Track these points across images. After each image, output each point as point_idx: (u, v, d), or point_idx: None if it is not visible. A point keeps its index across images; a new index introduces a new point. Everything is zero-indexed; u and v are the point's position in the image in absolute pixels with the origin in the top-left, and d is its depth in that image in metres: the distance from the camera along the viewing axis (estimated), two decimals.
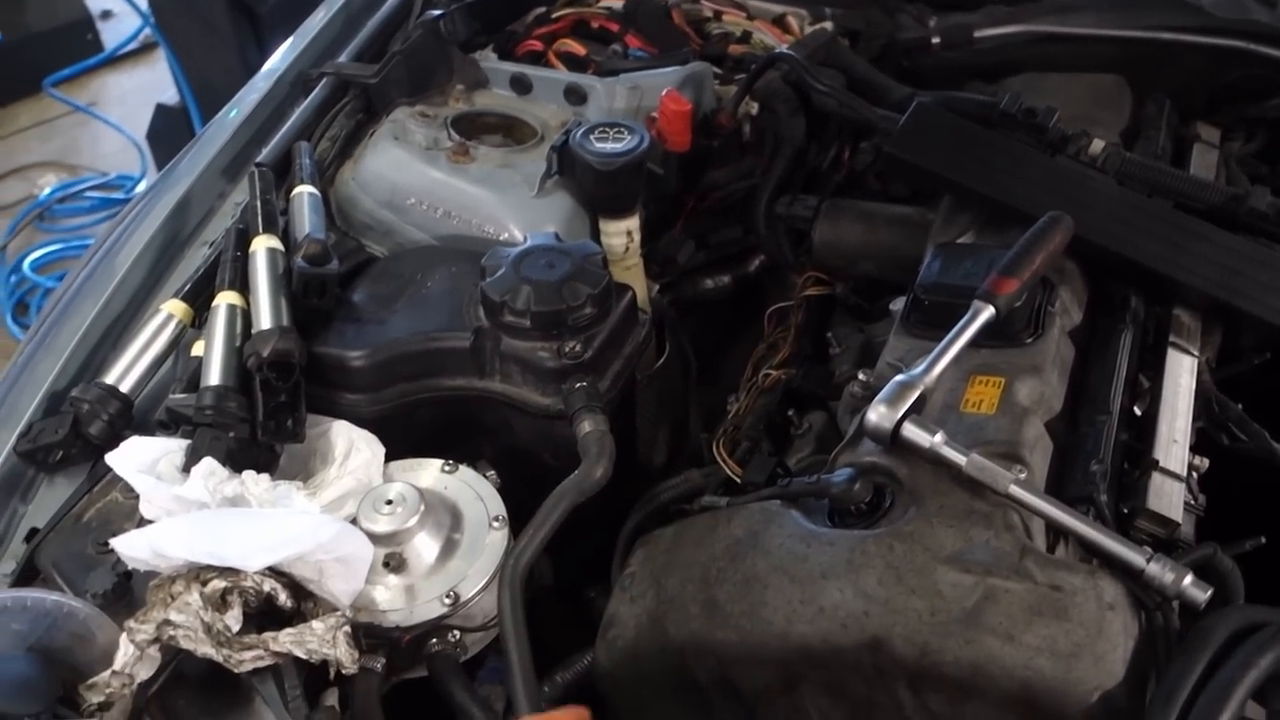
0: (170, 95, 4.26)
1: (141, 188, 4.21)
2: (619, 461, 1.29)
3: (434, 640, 1.18)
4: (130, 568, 1.12)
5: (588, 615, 1.38)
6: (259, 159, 1.63)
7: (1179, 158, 1.73)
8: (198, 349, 1.35)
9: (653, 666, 1.16)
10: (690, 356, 1.76)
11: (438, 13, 1.84)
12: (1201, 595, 1.00)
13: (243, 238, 1.45)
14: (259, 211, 1.46)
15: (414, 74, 1.76)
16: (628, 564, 1.26)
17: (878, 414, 1.14)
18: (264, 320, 1.33)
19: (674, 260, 1.77)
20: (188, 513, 1.14)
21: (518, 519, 1.22)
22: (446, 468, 1.32)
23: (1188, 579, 1.00)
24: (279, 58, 1.90)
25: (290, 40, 1.96)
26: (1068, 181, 1.45)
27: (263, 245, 1.41)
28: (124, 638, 1.04)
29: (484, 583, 1.20)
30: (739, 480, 1.35)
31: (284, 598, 1.09)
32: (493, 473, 1.35)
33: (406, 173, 1.63)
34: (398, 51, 1.76)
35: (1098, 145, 1.49)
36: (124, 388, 1.36)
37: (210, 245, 1.56)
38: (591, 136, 1.56)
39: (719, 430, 1.48)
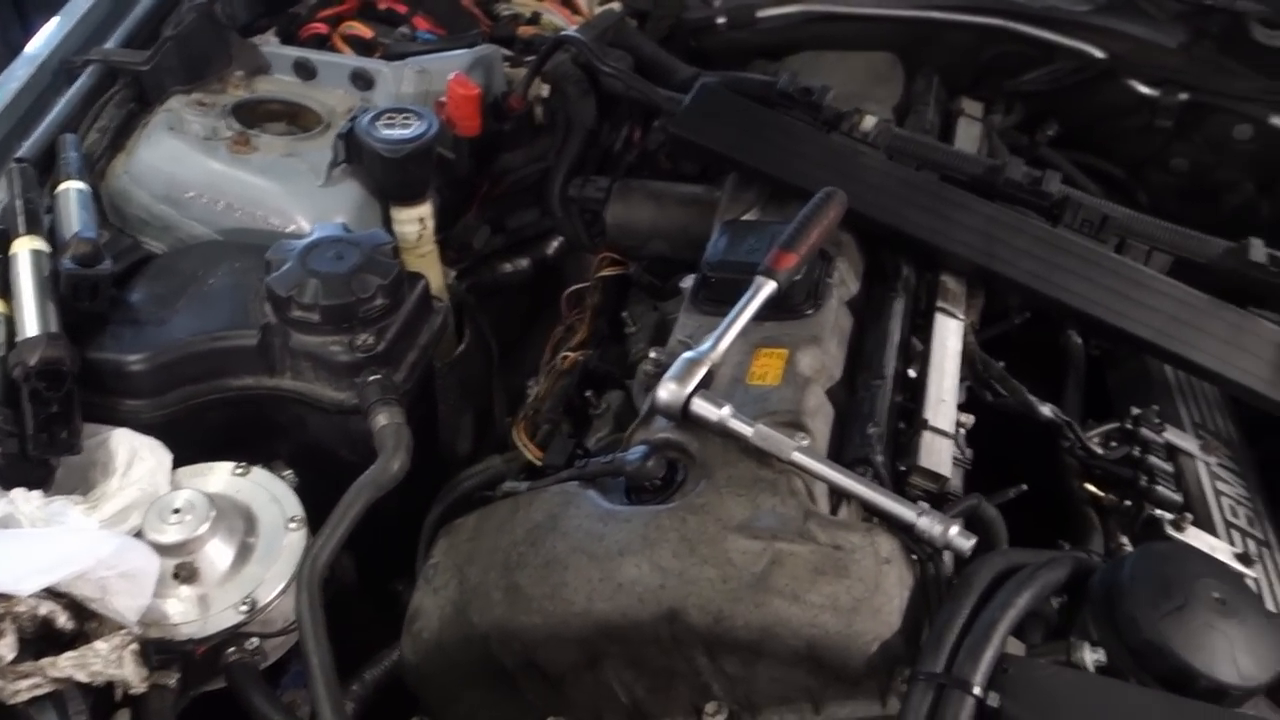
0: None
1: None
2: (422, 452, 1.28)
3: (231, 650, 1.16)
4: None
5: (394, 609, 1.37)
6: (19, 153, 1.53)
7: (946, 131, 1.84)
8: None
9: (459, 656, 1.16)
10: (491, 342, 1.76)
11: None
12: (966, 544, 1.07)
13: (3, 239, 1.36)
14: (20, 210, 1.38)
15: (189, 60, 1.68)
16: (431, 555, 1.26)
17: (667, 391, 1.17)
18: (29, 327, 1.25)
19: (470, 246, 1.77)
20: None
21: (320, 517, 1.20)
22: (238, 470, 1.29)
23: (954, 529, 1.07)
24: (40, 42, 1.77)
25: (53, 23, 1.83)
26: (841, 157, 1.52)
27: (25, 247, 1.33)
28: None
29: (282, 586, 1.18)
30: (539, 464, 1.36)
31: (64, 620, 1.04)
32: (289, 472, 1.32)
33: (184, 164, 1.57)
34: (170, 36, 1.67)
35: (869, 122, 1.56)
36: None
37: None
38: (378, 123, 1.53)
39: (519, 414, 1.48)
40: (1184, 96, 1.93)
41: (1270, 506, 1.44)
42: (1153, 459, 1.36)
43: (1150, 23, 1.97)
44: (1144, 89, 1.96)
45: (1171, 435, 1.42)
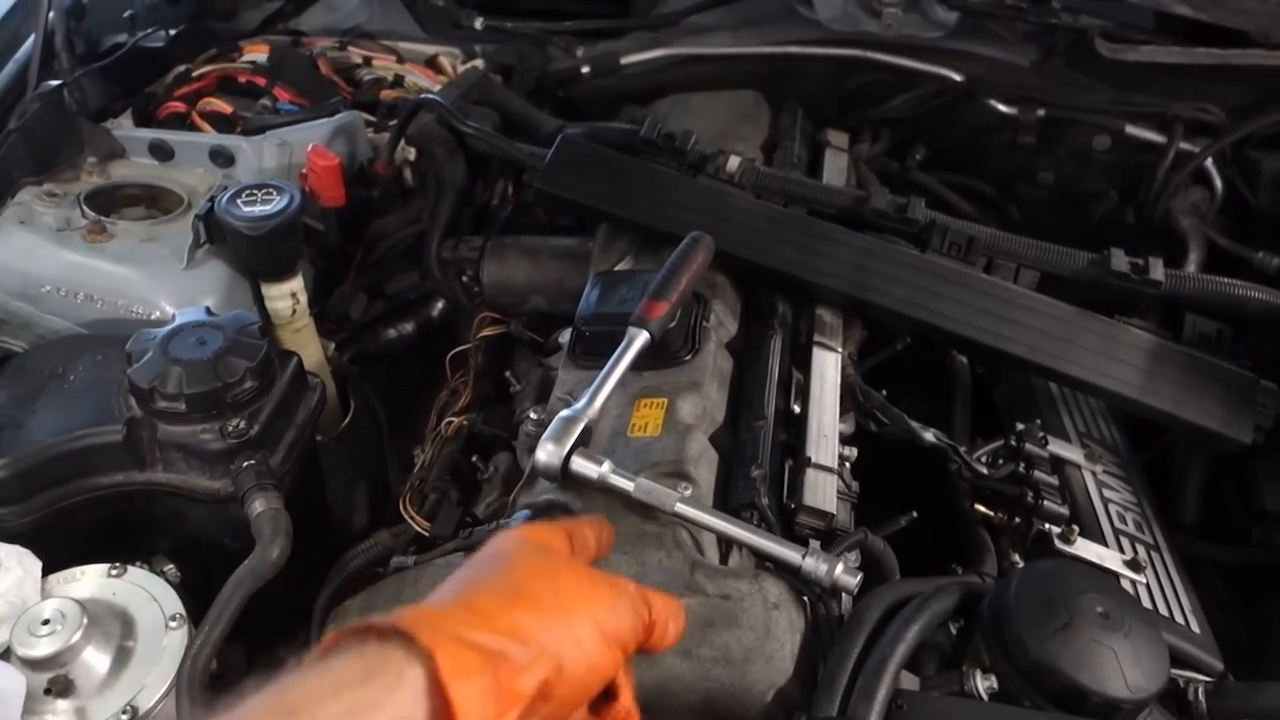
0: None
1: None
2: (313, 531, 1.25)
3: None
4: None
5: None
6: None
7: (815, 164, 1.86)
8: None
9: None
10: (379, 411, 1.73)
11: (58, 82, 1.71)
12: (852, 581, 1.06)
13: None
14: None
15: (37, 150, 1.64)
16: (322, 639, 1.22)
17: (546, 452, 1.14)
18: None
19: (348, 316, 1.74)
20: None
21: (206, 611, 1.15)
22: (114, 571, 1.23)
23: (839, 568, 1.06)
24: None
25: None
26: (709, 200, 1.53)
27: None
28: None
29: (165, 688, 1.13)
30: (427, 535, 1.33)
31: None
32: (170, 567, 1.28)
33: (37, 259, 1.52)
34: (15, 128, 1.63)
35: (734, 162, 1.57)
36: None
37: None
38: (239, 200, 1.50)
39: (405, 486, 1.45)
40: (1042, 112, 1.99)
41: (1157, 509, 1.47)
42: (1038, 474, 1.37)
43: (1002, 44, 2.04)
44: (1003, 107, 2.02)
45: (1056, 447, 1.44)
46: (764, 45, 2.06)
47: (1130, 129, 1.94)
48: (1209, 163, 1.85)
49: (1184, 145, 1.87)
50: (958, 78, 2.01)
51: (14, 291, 1.51)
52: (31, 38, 1.85)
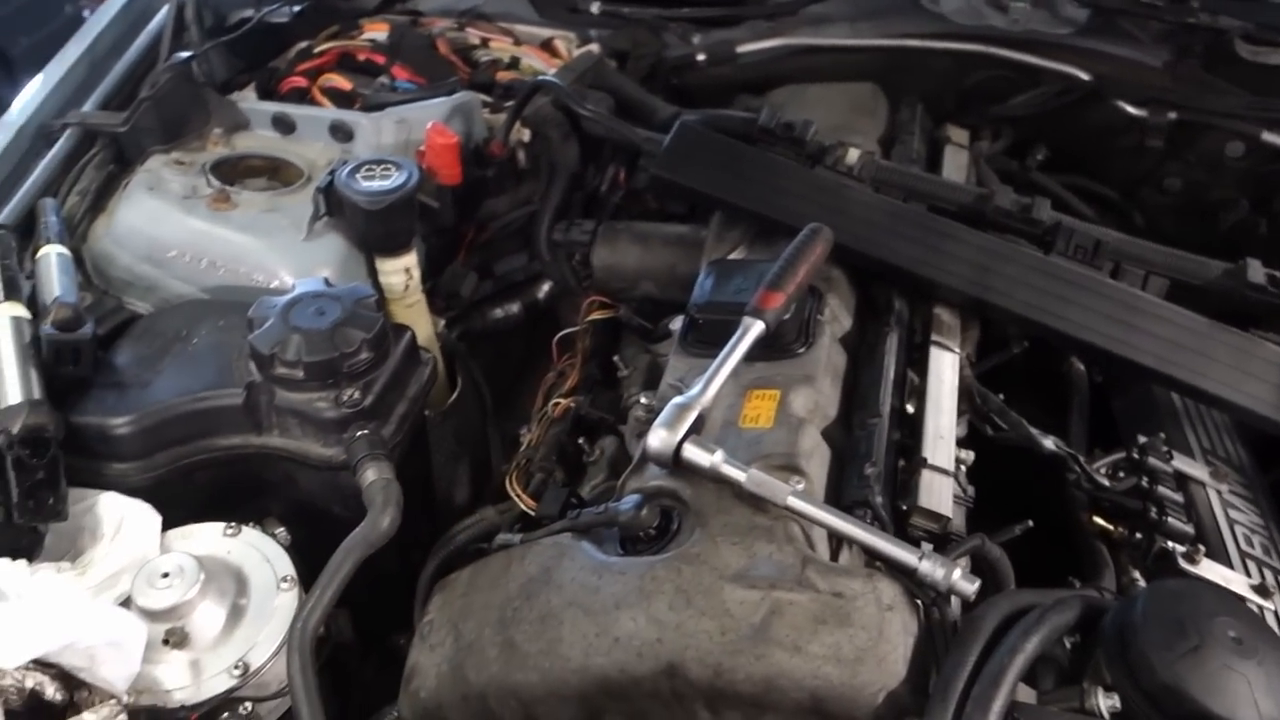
0: None
1: None
2: (417, 503, 1.27)
3: (226, 715, 1.14)
4: None
5: (398, 663, 1.34)
6: None
7: (933, 160, 1.83)
8: None
9: (457, 715, 1.13)
10: (485, 389, 1.74)
11: (188, 54, 1.75)
12: (970, 587, 1.04)
13: None
14: None
15: (166, 119, 1.68)
16: (426, 611, 1.23)
17: (658, 438, 1.14)
18: (11, 395, 1.24)
19: (458, 294, 1.75)
20: None
21: (314, 575, 1.16)
22: (229, 531, 1.27)
23: (957, 573, 1.04)
24: (17, 108, 1.77)
25: (30, 88, 1.83)
26: (827, 192, 1.51)
27: (5, 314, 1.32)
28: None
29: (275, 648, 1.16)
30: (533, 514, 1.34)
31: (52, 691, 1.03)
32: (281, 530, 1.31)
33: (165, 224, 1.56)
34: (147, 97, 1.67)
35: (854, 154, 1.55)
36: None
37: None
38: (358, 175, 1.52)
39: (512, 464, 1.46)
40: (1173, 115, 1.93)
41: None
42: (1162, 489, 1.32)
43: (1133, 43, 1.97)
44: (1132, 109, 1.96)
45: (1180, 463, 1.39)
46: (883, 37, 2.02)
47: (1267, 135, 1.87)
48: None
49: None
50: (1085, 77, 1.95)
51: (141, 255, 1.55)
52: (164, 10, 1.90)
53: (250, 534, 1.27)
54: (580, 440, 1.47)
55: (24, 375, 1.26)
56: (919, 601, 1.06)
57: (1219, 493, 1.39)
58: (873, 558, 1.11)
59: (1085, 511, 1.34)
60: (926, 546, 1.09)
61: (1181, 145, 1.95)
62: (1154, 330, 1.39)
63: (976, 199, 1.52)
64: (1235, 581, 1.25)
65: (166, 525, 1.24)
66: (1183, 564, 1.24)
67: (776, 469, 1.15)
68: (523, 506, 1.37)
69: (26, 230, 1.52)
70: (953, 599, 1.08)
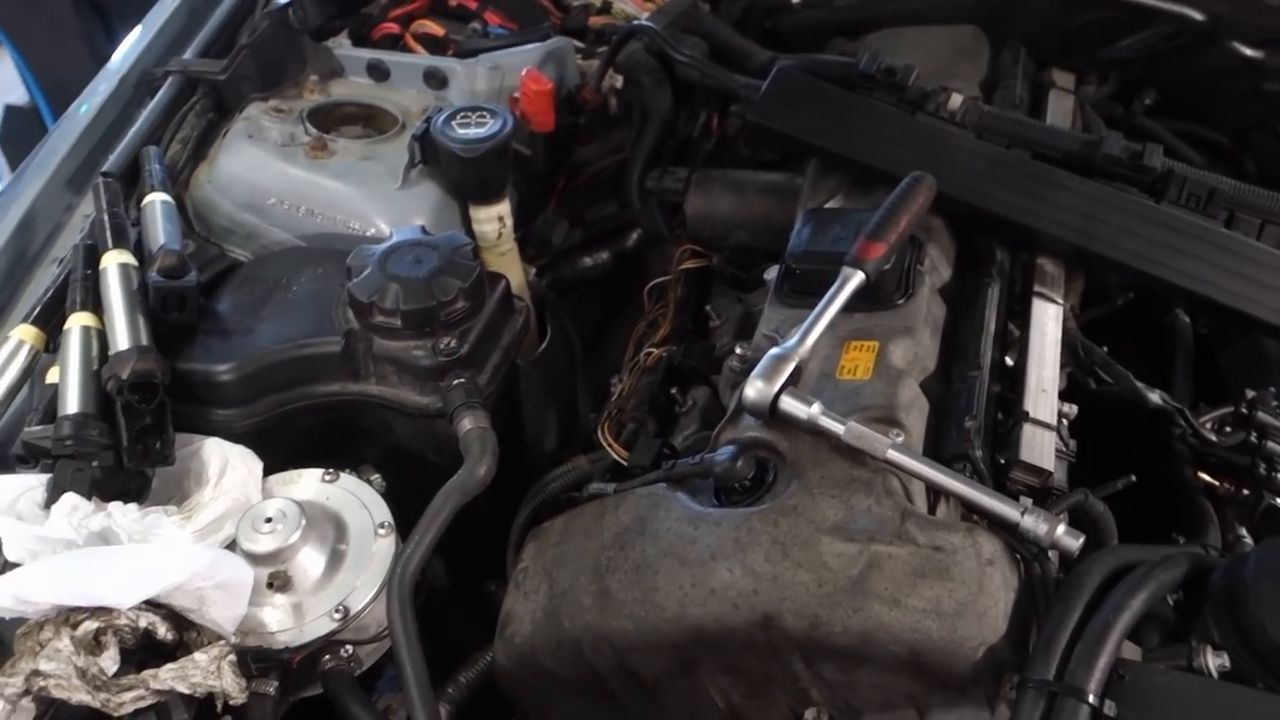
0: (19, 95, 4.05)
1: None
2: (508, 451, 1.27)
3: (327, 657, 1.16)
4: None
5: (488, 608, 1.36)
6: (104, 168, 1.55)
7: (1036, 105, 1.77)
8: (53, 376, 1.28)
9: (551, 661, 1.15)
10: (574, 338, 1.74)
11: (284, 1, 1.76)
12: (1074, 543, 1.02)
13: (92, 254, 1.38)
14: (107, 225, 1.40)
15: (265, 67, 1.69)
16: (520, 558, 1.25)
17: (755, 389, 1.13)
18: (121, 341, 1.27)
19: (549, 242, 1.75)
20: (53, 553, 1.10)
21: (408, 520, 1.19)
22: (327, 477, 1.29)
23: (1060, 528, 1.02)
24: (120, 57, 1.81)
25: (131, 37, 1.87)
26: (928, 139, 1.47)
27: (114, 261, 1.35)
28: None
29: (373, 593, 1.18)
30: (625, 464, 1.34)
31: (164, 631, 1.06)
32: (377, 476, 1.32)
33: (264, 172, 1.57)
34: (246, 45, 1.68)
35: (956, 100, 1.50)
36: None
37: (60, 263, 1.48)
38: (454, 122, 1.52)
39: (603, 413, 1.46)
40: None
41: None
42: (1271, 444, 1.29)
43: None
44: (1248, 51, 1.86)
45: None
46: None
47: None
48: None
49: None
50: (1199, 17, 1.85)
51: (242, 203, 1.57)
52: None
53: (348, 480, 1.29)
54: (673, 390, 1.47)
55: (132, 322, 1.28)
56: (1020, 556, 1.05)
57: None
58: (972, 513, 1.09)
59: (1190, 467, 1.31)
60: (1027, 501, 1.07)
61: None
62: (1270, 281, 1.34)
63: (1084, 145, 1.46)
64: None
65: (267, 470, 1.27)
66: None
67: (875, 421, 1.14)
68: (615, 456, 1.38)
69: (131, 178, 1.55)
70: (1053, 554, 1.06)
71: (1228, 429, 1.33)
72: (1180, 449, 1.33)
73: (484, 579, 1.43)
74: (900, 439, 1.11)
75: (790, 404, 1.13)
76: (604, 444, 1.39)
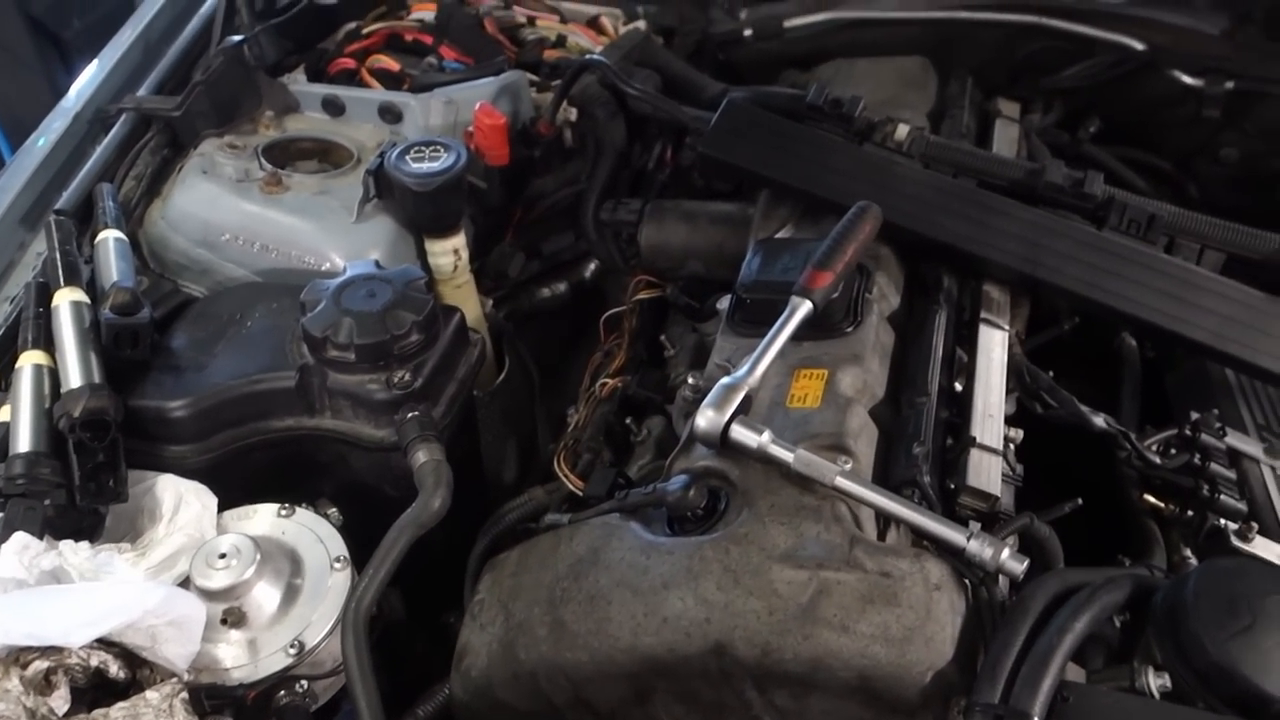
0: None
1: None
2: (467, 483, 1.28)
3: (282, 693, 1.16)
4: None
5: (448, 639, 1.36)
6: (58, 205, 1.56)
7: (983, 134, 1.81)
8: (4, 414, 1.28)
9: (508, 694, 1.15)
10: (532, 369, 1.75)
11: (239, 38, 1.77)
12: (1019, 567, 1.04)
13: (44, 292, 1.38)
14: (59, 263, 1.40)
15: (219, 103, 1.70)
16: (476, 590, 1.25)
17: (705, 419, 1.15)
18: (73, 378, 1.27)
19: (506, 274, 1.77)
20: (3, 592, 1.09)
21: (365, 553, 1.19)
22: (283, 511, 1.29)
23: (1005, 553, 1.04)
24: (74, 94, 1.81)
25: (86, 73, 1.87)
26: (876, 169, 1.50)
27: (66, 299, 1.35)
28: None
29: (329, 627, 1.18)
30: (581, 494, 1.35)
31: (115, 669, 1.05)
32: (334, 510, 1.33)
33: (218, 208, 1.58)
34: (200, 81, 1.69)
35: (903, 130, 1.53)
36: None
37: (11, 301, 1.48)
38: (408, 157, 1.53)
39: (560, 444, 1.47)
40: (1230, 85, 1.89)
41: None
42: (1214, 466, 1.31)
43: (1190, 11, 1.93)
44: (1188, 79, 1.92)
45: (1234, 440, 1.37)
46: (932, 10, 1.99)
47: None
48: None
49: None
50: (1139, 46, 1.91)
51: (196, 239, 1.58)
52: None
53: (304, 515, 1.29)
54: (628, 420, 1.49)
55: (84, 359, 1.28)
56: (967, 581, 1.06)
57: (1274, 469, 1.37)
58: (921, 537, 1.11)
59: (1136, 489, 1.33)
60: (975, 526, 1.09)
61: (1239, 115, 1.91)
62: (1210, 306, 1.37)
63: (1027, 174, 1.50)
64: None
65: (223, 506, 1.27)
66: (1235, 542, 1.23)
67: (824, 449, 1.15)
68: (571, 487, 1.38)
69: (85, 215, 1.55)
70: (1001, 578, 1.07)
71: (1172, 451, 1.35)
72: (1126, 472, 1.35)
73: (443, 611, 1.43)
74: (849, 466, 1.13)
75: (741, 433, 1.14)
76: (560, 475, 1.40)
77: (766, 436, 1.13)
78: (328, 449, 1.37)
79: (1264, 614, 0.96)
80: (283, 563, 1.22)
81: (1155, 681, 0.99)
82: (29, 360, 1.30)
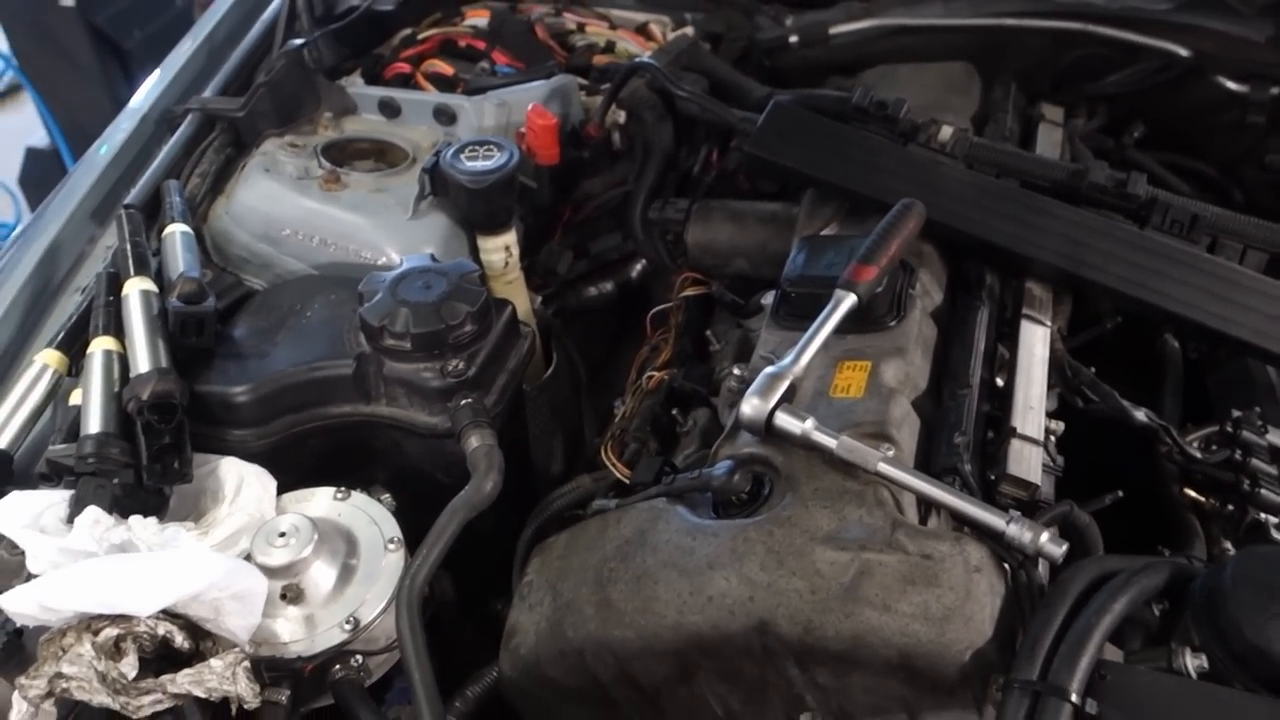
0: (40, 138, 4.15)
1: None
2: (515, 473, 1.31)
3: (337, 667, 1.20)
4: (20, 625, 1.11)
5: (496, 627, 1.40)
6: (127, 200, 1.62)
7: (1026, 138, 1.83)
8: (76, 398, 1.33)
9: (555, 670, 1.19)
10: (579, 365, 1.79)
11: (300, 41, 1.83)
12: (1058, 550, 1.06)
13: (114, 281, 1.43)
14: (129, 254, 1.45)
15: (280, 104, 1.76)
16: (525, 573, 1.29)
17: (750, 406, 1.18)
18: (141, 363, 1.31)
19: (555, 271, 1.80)
20: (75, 564, 1.14)
21: (417, 538, 1.23)
22: (339, 495, 1.33)
23: (1044, 536, 1.06)
24: (142, 96, 1.88)
25: (153, 77, 1.94)
26: (920, 168, 1.52)
27: (135, 288, 1.40)
28: (16, 695, 1.03)
29: (383, 605, 1.21)
30: (628, 482, 1.38)
31: (181, 639, 1.09)
32: (387, 496, 1.36)
33: (280, 204, 1.63)
34: (263, 83, 1.75)
35: (946, 131, 1.55)
36: (2, 443, 1.34)
37: (82, 291, 1.53)
38: (462, 155, 1.58)
39: (606, 434, 1.51)
40: (1275, 90, 1.89)
41: None
42: (1255, 461, 1.32)
43: (1235, 17, 1.94)
44: (1233, 85, 1.93)
45: (1275, 437, 1.38)
46: (978, 16, 2.02)
47: None
48: None
49: None
50: (1184, 53, 1.93)
51: (257, 234, 1.63)
52: (277, 0, 1.98)
53: (359, 498, 1.33)
54: (674, 411, 1.51)
55: (152, 345, 1.33)
56: (1007, 565, 1.08)
57: None
58: (961, 523, 1.13)
59: (1176, 484, 1.34)
60: (1014, 512, 1.11)
61: None
62: (1252, 304, 1.38)
63: (1070, 175, 1.51)
64: None
65: (282, 489, 1.31)
66: (1275, 535, 1.23)
67: (867, 437, 1.18)
68: (618, 475, 1.42)
69: (152, 211, 1.61)
70: (1041, 564, 1.09)
71: (1213, 447, 1.36)
72: (1168, 467, 1.36)
73: (491, 599, 1.46)
74: (891, 453, 1.15)
75: (785, 420, 1.17)
76: (607, 463, 1.44)
77: (810, 423, 1.16)
78: (383, 435, 1.40)
79: None
80: (339, 543, 1.26)
81: (1192, 662, 1.00)
82: (100, 346, 1.35)
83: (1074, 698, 0.93)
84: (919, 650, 1.01)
